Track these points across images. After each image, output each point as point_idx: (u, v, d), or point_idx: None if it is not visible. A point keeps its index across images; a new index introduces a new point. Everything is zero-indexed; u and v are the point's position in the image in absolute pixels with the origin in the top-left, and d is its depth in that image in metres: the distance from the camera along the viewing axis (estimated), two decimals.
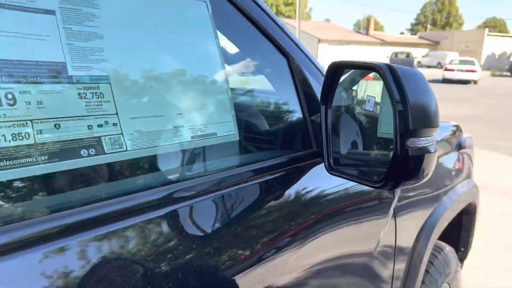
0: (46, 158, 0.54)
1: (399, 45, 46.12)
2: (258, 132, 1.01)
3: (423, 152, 0.68)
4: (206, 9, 0.77)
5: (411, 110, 0.64)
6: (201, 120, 0.75)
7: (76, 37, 0.59)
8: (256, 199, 0.79)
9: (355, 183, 0.95)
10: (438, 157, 1.54)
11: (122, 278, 0.54)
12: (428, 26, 70.07)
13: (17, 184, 0.53)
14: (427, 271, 1.52)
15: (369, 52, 47.47)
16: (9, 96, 0.52)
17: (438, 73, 25.28)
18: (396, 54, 26.74)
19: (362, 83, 0.90)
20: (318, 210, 0.89)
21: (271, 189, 0.82)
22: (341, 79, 0.86)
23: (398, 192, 1.14)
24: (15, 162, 0.51)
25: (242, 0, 0.83)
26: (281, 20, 0.94)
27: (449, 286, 1.77)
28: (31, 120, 0.53)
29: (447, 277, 1.66)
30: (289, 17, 63.61)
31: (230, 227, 0.71)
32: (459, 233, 1.98)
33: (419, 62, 44.33)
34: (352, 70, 0.87)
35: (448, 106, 12.84)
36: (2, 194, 0.52)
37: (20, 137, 0.52)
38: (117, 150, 0.61)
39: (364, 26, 57.12)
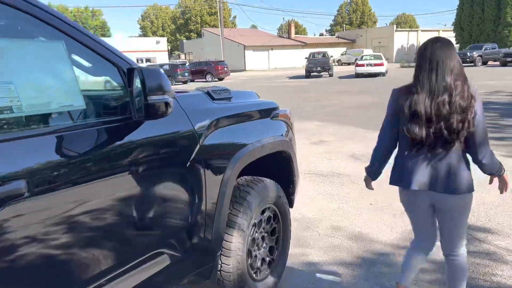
0: None
1: (319, 46, 48.86)
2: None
3: (158, 102, 1.56)
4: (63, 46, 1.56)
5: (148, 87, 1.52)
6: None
7: None
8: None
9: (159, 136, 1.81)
10: (247, 121, 2.44)
11: None
12: (345, 26, 74.56)
13: None
14: (247, 192, 2.41)
15: (292, 55, 49.75)
16: None
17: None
18: (313, 54, 28.57)
19: None
20: (134, 159, 1.73)
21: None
22: None
23: (203, 140, 2.00)
24: None
25: (75, 32, 1.60)
26: (99, 38, 1.75)
27: (276, 207, 2.69)
28: None
29: (269, 199, 2.57)
30: (214, 26, 64.76)
31: None
32: (288, 175, 2.92)
33: (339, 60, 47.38)
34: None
35: (358, 97, 14.44)
36: None
37: None
38: None
39: (286, 31, 59.65)
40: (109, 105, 1.85)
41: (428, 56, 1.96)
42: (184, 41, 63.65)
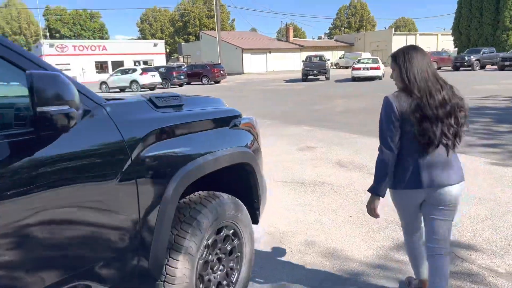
0: None
1: (317, 49, 48.73)
2: None
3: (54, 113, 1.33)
4: None
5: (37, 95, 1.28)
6: None
7: None
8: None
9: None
10: (198, 131, 2.20)
11: None
12: (344, 29, 74.46)
13: None
14: (198, 211, 2.17)
15: (290, 58, 49.58)
16: None
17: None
18: (310, 57, 28.37)
19: None
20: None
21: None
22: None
23: (136, 153, 1.76)
24: None
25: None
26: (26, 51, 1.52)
27: (236, 225, 2.45)
28: None
29: (226, 216, 2.33)
30: (212, 29, 64.46)
31: None
32: (252, 189, 2.68)
33: (337, 64, 47.20)
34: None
35: (351, 101, 14.21)
36: None
37: None
38: None
39: (284, 34, 59.51)
40: (19, 116, 1.61)
41: (414, 60, 2.11)
42: (182, 43, 63.48)
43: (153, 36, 72.07)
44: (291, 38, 55.46)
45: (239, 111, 2.66)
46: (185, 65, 36.43)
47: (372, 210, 2.27)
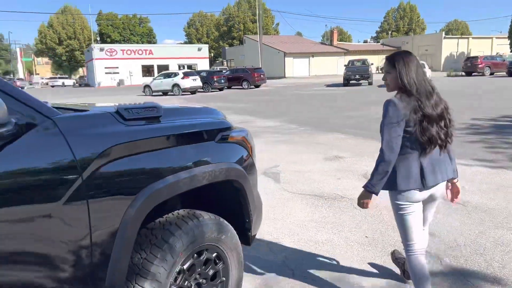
0: None
1: (362, 53, 47.53)
2: None
3: None
4: None
5: None
6: None
7: None
8: None
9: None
10: (174, 146, 2.01)
11: None
12: (391, 32, 72.24)
13: None
14: (171, 233, 1.98)
15: (334, 62, 48.74)
16: None
17: None
18: (352, 62, 27.68)
19: None
20: None
21: None
22: None
23: (89, 171, 1.60)
24: None
25: None
26: None
27: (219, 247, 2.24)
28: None
29: (207, 238, 2.12)
30: (256, 33, 64.69)
31: None
32: (242, 208, 2.46)
33: (382, 68, 45.72)
34: None
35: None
36: None
37: None
38: None
39: (328, 38, 58.68)
40: None
41: (412, 65, 2.21)
42: (226, 48, 64.24)
43: (199, 40, 73.48)
44: (335, 42, 54.56)
45: (229, 123, 2.45)
46: (227, 69, 36.72)
47: (365, 204, 2.33)
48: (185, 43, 76.62)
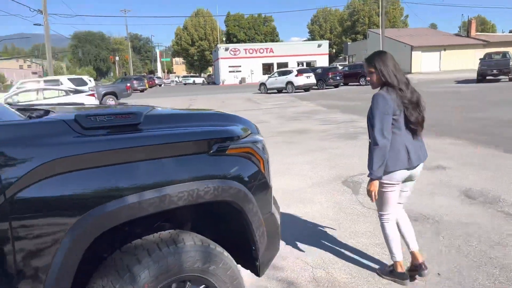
0: None
1: (506, 44, 41.40)
2: None
3: None
4: None
5: None
6: None
7: None
8: None
9: None
10: (138, 160, 1.71)
11: None
12: None
13: None
14: (137, 261, 1.71)
15: (470, 55, 43.50)
16: None
17: None
18: (490, 55, 24.15)
19: None
20: None
21: None
22: None
23: (15, 191, 1.40)
24: None
25: None
26: None
27: (207, 279, 1.89)
28: None
29: (187, 268, 1.80)
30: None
31: None
32: (246, 234, 2.08)
33: None
34: None
35: None
36: None
37: None
38: None
39: (465, 28, 52.60)
40: None
41: (389, 62, 2.63)
42: (348, 43, 62.26)
43: (322, 37, 72.69)
44: (473, 33, 48.58)
45: (235, 131, 2.06)
46: (346, 65, 35.45)
47: (374, 193, 2.60)
48: (308, 40, 76.56)
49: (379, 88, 2.66)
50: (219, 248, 1.98)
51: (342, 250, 3.41)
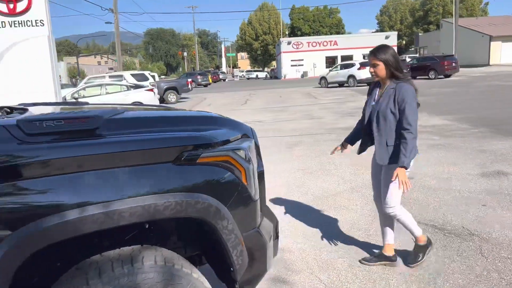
0: None
1: None
2: None
3: None
4: None
5: None
6: None
7: None
8: None
9: None
10: (84, 171, 1.54)
11: None
12: None
13: None
14: (86, 280, 1.55)
15: None
16: None
17: None
18: None
19: None
20: None
21: None
22: None
23: None
24: None
25: None
26: None
27: None
28: None
29: None
30: (460, 16, 56.86)
31: None
32: (223, 253, 1.84)
33: None
34: None
35: None
36: None
37: None
38: None
39: None
40: None
41: (394, 54, 2.77)
42: (420, 34, 58.79)
43: (391, 28, 69.37)
44: None
45: (212, 137, 1.82)
46: (415, 58, 33.44)
47: (408, 184, 2.59)
48: (377, 31, 73.54)
49: (388, 80, 2.77)
50: (187, 269, 1.76)
51: (365, 272, 3.04)
